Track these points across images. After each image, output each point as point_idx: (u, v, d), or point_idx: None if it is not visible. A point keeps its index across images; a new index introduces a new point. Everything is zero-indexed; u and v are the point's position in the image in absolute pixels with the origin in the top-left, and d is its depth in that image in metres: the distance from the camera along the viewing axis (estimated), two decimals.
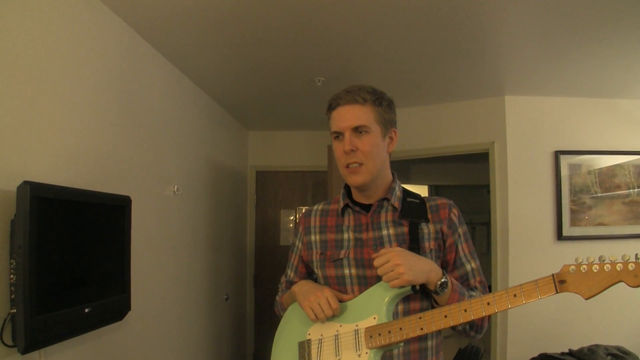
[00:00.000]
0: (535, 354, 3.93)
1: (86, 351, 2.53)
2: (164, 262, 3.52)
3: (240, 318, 5.72)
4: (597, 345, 3.85)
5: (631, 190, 4.47)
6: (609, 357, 3.67)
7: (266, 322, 5.95)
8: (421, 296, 1.61)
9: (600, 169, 4.47)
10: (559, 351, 3.92)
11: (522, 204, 4.45)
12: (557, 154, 4.45)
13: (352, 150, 1.64)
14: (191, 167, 4.12)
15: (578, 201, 4.44)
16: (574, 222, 4.44)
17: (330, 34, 3.19)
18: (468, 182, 7.12)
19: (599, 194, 4.45)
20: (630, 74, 3.89)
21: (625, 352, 3.79)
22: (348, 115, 1.66)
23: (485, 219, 5.21)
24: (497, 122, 4.56)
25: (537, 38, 3.26)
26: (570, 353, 3.85)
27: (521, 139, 4.50)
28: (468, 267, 1.70)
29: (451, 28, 3.09)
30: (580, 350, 3.83)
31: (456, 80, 4.19)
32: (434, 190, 7.42)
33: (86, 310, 2.27)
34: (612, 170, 4.48)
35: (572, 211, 4.44)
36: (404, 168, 6.90)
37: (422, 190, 7.24)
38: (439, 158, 5.63)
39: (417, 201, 1.74)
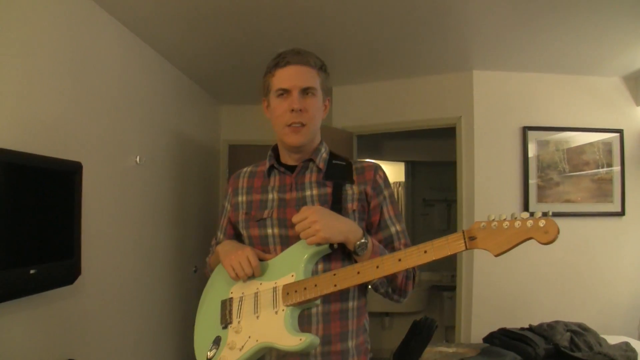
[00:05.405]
0: (496, 329, 3.96)
1: (37, 314, 2.55)
2: (123, 230, 3.52)
3: None
4: (557, 322, 3.87)
5: (600, 170, 4.49)
6: (568, 333, 3.69)
7: None
8: (342, 256, 1.62)
9: (569, 146, 4.48)
10: (521, 326, 3.95)
11: (489, 180, 4.46)
12: (525, 130, 4.46)
13: (301, 110, 1.65)
14: (156, 139, 4.10)
15: (545, 177, 4.46)
16: (540, 199, 4.45)
17: (299, 7, 3.18)
18: (444, 158, 7.05)
19: (567, 171, 4.47)
20: (599, 49, 3.89)
21: (585, 329, 3.81)
22: (299, 76, 1.67)
23: None
24: (464, 97, 4.55)
25: (505, 11, 3.25)
26: (530, 328, 3.87)
27: (489, 114, 4.50)
28: (393, 229, 1.70)
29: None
30: (540, 325, 3.85)
31: (423, 54, 4.18)
32: (410, 167, 7.32)
33: (31, 272, 2.29)
34: (580, 147, 4.49)
35: (539, 187, 4.46)
36: (376, 144, 6.81)
37: (398, 167, 7.22)
38: (412, 134, 5.61)
39: (343, 163, 1.74)
